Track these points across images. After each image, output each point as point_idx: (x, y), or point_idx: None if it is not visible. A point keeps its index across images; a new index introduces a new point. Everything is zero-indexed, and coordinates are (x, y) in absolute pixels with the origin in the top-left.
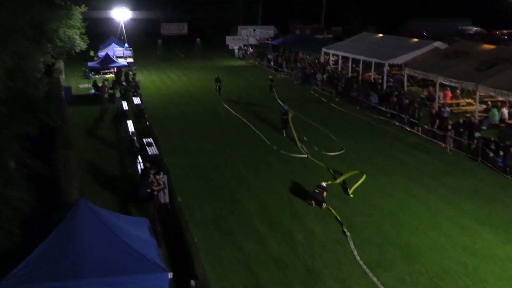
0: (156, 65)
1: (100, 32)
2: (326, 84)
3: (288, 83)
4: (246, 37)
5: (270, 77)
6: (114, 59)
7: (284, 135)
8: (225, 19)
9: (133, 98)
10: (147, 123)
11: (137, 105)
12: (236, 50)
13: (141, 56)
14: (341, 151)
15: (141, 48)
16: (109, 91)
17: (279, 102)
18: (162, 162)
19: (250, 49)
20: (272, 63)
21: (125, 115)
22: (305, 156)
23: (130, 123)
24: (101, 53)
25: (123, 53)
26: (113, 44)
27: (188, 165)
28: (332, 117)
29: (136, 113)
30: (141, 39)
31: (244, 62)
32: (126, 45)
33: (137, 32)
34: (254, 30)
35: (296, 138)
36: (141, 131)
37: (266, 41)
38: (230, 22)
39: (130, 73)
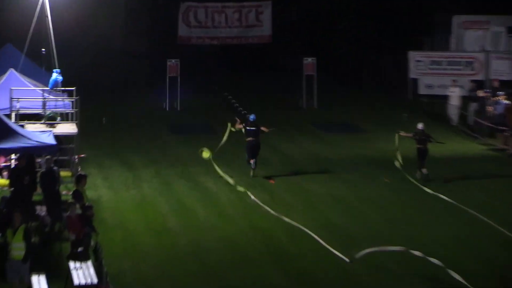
0: (158, 148)
1: None
2: None
3: None
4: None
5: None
6: (11, 124)
7: None
8: None
9: (73, 264)
10: None
11: None
12: (454, 97)
13: (105, 113)
14: None
15: (107, 84)
16: None
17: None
18: None
19: (502, 100)
20: None
21: None
22: None
23: None
24: None
25: (47, 103)
26: (11, 73)
27: None
28: None
29: None
30: (110, 59)
31: (480, 145)
32: (56, 75)
33: (98, 36)
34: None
35: None
36: None
37: None
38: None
39: (66, 174)
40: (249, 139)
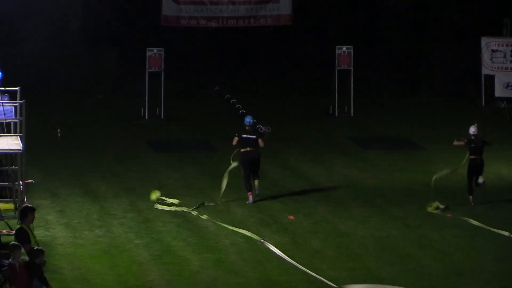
0: (133, 171)
1: None
2: None
3: None
4: None
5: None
6: None
7: None
8: None
9: None
10: None
11: None
12: None
13: (61, 123)
14: None
15: (62, 83)
16: None
17: None
18: None
19: None
20: None
21: None
22: None
23: None
24: None
25: None
26: None
27: None
28: None
29: None
30: (66, 48)
31: None
32: None
33: (49, 17)
34: None
35: None
36: None
37: None
38: None
39: (7, 207)
40: (245, 149)
